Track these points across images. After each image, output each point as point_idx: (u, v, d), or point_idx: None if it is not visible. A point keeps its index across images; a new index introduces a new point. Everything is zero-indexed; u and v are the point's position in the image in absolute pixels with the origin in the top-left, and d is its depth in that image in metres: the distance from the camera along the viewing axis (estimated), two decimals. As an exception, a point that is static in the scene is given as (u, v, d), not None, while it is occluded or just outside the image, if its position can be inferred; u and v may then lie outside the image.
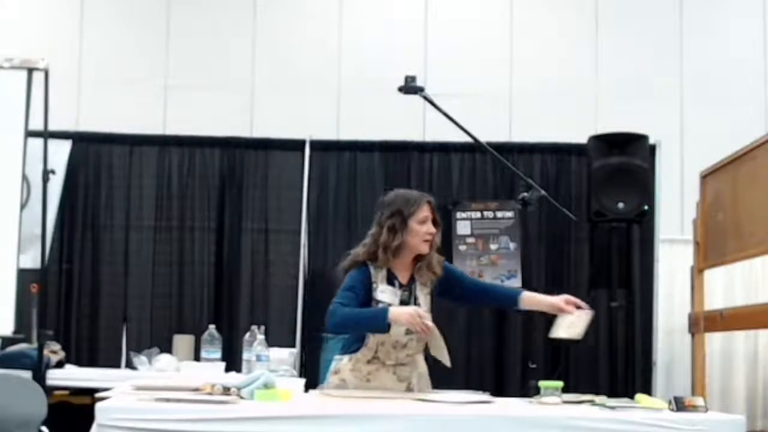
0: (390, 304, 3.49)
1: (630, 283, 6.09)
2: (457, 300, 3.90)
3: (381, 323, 3.41)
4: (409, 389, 3.57)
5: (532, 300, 3.68)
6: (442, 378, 5.67)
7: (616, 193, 5.80)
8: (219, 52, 7.32)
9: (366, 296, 3.54)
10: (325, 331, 5.77)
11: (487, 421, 2.86)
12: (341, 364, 3.63)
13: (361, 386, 3.54)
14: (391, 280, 3.57)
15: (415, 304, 3.55)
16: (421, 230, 3.55)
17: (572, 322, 3.51)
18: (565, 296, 3.60)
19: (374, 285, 3.55)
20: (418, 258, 3.61)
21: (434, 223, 3.60)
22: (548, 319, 6.05)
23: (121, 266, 6.18)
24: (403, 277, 3.60)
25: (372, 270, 3.57)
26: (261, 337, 4.97)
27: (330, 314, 3.49)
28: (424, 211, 3.57)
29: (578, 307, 3.55)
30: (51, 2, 7.46)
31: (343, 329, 3.63)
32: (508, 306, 3.94)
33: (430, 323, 3.37)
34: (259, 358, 4.88)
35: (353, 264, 3.60)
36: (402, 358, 3.57)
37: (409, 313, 3.37)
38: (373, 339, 3.54)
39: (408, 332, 3.50)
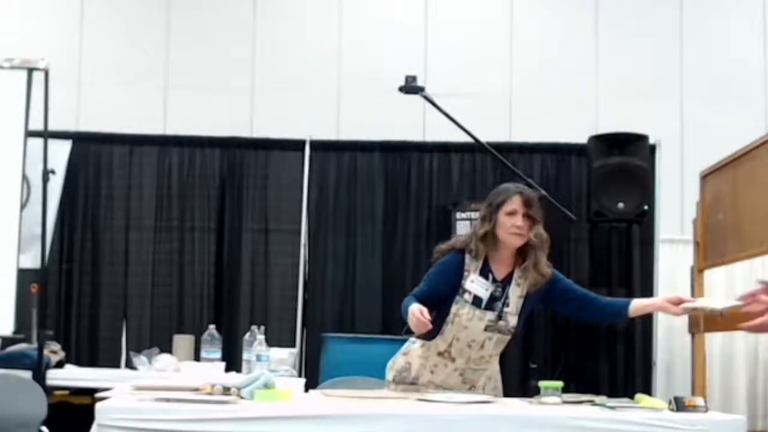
0: (477, 296, 3.44)
1: (630, 283, 6.08)
2: (561, 311, 3.89)
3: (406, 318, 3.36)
4: (472, 391, 3.46)
5: (640, 309, 3.57)
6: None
7: (616, 193, 5.80)
8: (219, 52, 7.32)
9: (449, 283, 3.46)
10: (326, 331, 5.84)
11: (487, 421, 2.86)
12: (412, 347, 3.56)
13: (423, 375, 3.49)
14: (485, 272, 3.48)
15: (505, 303, 3.46)
16: (508, 222, 3.44)
17: (712, 300, 3.46)
18: (667, 296, 3.55)
19: (466, 273, 3.46)
20: (523, 256, 3.51)
21: (529, 218, 3.46)
22: (548, 318, 6.08)
23: (121, 266, 6.17)
24: (499, 273, 3.49)
25: (468, 258, 3.49)
26: (261, 337, 4.97)
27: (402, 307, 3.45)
28: (513, 203, 3.46)
29: (681, 302, 3.46)
30: (51, 2, 7.46)
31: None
32: (616, 321, 3.79)
33: (421, 318, 3.25)
34: (259, 358, 4.87)
35: (450, 249, 3.53)
36: (475, 358, 3.48)
37: (411, 313, 3.29)
38: (449, 331, 3.46)
39: (486, 329, 3.44)
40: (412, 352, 3.56)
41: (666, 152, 6.25)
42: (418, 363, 3.52)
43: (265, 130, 6.61)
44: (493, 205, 3.49)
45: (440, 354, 3.49)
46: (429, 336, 3.47)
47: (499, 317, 3.45)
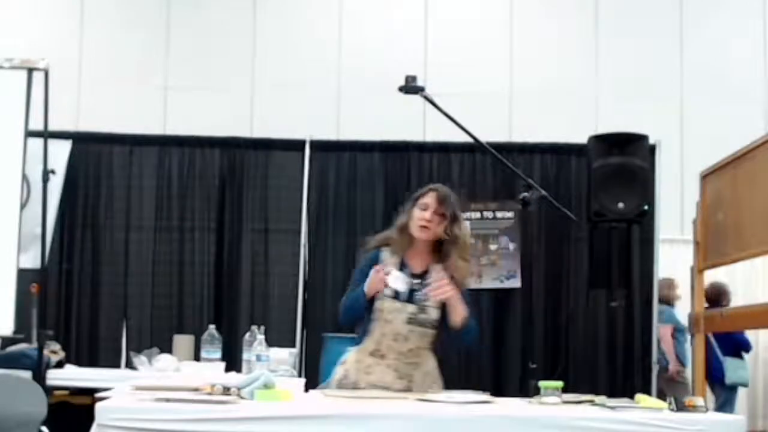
0: (396, 290, 3.53)
1: (630, 283, 6.08)
2: None
3: (362, 296, 3.53)
4: (408, 388, 3.55)
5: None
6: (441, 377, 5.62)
7: (616, 193, 5.79)
8: (219, 52, 7.33)
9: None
10: (326, 331, 5.84)
11: (487, 421, 2.85)
12: (348, 356, 3.67)
13: (361, 378, 3.57)
14: (402, 268, 3.60)
15: (426, 299, 3.56)
16: (418, 215, 3.61)
17: None
18: None
19: (382, 264, 3.58)
20: (440, 254, 3.63)
21: (441, 216, 3.59)
22: (548, 317, 6.09)
23: (121, 266, 6.17)
24: (415, 268, 3.63)
25: (385, 255, 3.63)
26: (261, 337, 4.97)
27: (339, 310, 3.67)
28: (426, 198, 3.62)
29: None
30: (51, 2, 7.47)
31: (349, 318, 3.69)
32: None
33: (385, 272, 3.44)
34: (259, 358, 4.86)
35: (369, 248, 3.71)
36: (404, 352, 3.57)
37: (371, 277, 3.47)
38: (377, 330, 3.57)
39: (409, 322, 3.54)
40: (347, 362, 3.67)
41: (666, 152, 6.25)
42: (354, 368, 3.62)
43: (265, 130, 6.62)
44: (411, 199, 3.68)
45: (371, 354, 3.60)
46: (360, 341, 3.62)
47: (421, 310, 3.56)
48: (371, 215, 6.27)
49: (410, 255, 3.65)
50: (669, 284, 6.92)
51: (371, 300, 3.57)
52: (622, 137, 5.93)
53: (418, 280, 3.59)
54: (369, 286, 3.50)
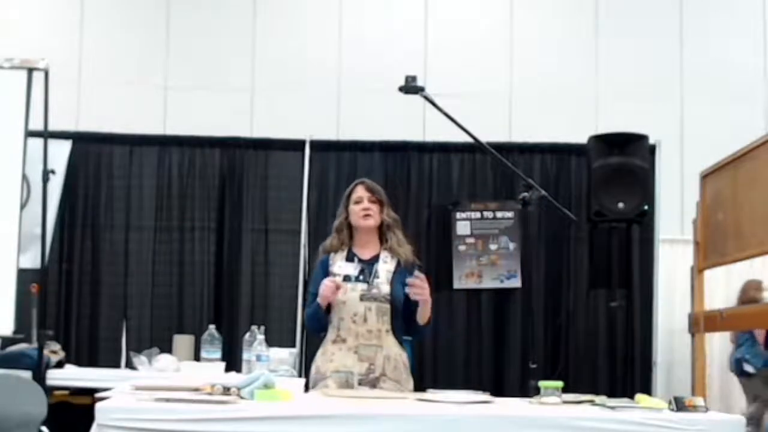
0: (346, 275, 3.74)
1: (630, 283, 6.08)
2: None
3: (318, 307, 3.71)
4: (371, 371, 3.65)
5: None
6: (441, 377, 5.67)
7: (616, 193, 5.80)
8: (219, 52, 7.33)
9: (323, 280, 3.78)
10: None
11: (487, 421, 2.86)
12: (318, 351, 3.83)
13: (327, 368, 3.69)
14: (351, 258, 3.81)
15: (375, 276, 3.74)
16: (357, 208, 3.85)
17: None
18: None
19: (331, 263, 3.80)
20: (385, 238, 3.85)
21: (377, 202, 3.85)
22: (548, 317, 6.08)
23: (121, 266, 6.17)
24: (364, 255, 3.83)
25: (331, 256, 3.86)
26: (261, 337, 4.96)
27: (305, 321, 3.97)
28: (357, 192, 3.89)
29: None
30: (51, 2, 7.47)
31: (314, 328, 3.89)
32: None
33: (330, 284, 3.63)
34: (259, 358, 4.86)
35: (319, 256, 3.92)
36: (364, 333, 3.69)
37: (322, 287, 3.65)
38: (336, 316, 3.73)
39: (362, 299, 3.69)
40: (316, 358, 3.82)
41: (666, 152, 6.25)
42: (321, 360, 3.77)
43: (265, 130, 6.61)
44: (343, 200, 3.93)
45: (334, 342, 3.74)
46: (325, 334, 3.80)
47: (372, 286, 3.70)
48: (371, 215, 6.26)
49: (356, 247, 3.85)
50: (757, 286, 6.96)
51: (327, 308, 3.73)
52: (622, 137, 5.93)
53: (368, 265, 3.77)
54: (321, 295, 3.67)
